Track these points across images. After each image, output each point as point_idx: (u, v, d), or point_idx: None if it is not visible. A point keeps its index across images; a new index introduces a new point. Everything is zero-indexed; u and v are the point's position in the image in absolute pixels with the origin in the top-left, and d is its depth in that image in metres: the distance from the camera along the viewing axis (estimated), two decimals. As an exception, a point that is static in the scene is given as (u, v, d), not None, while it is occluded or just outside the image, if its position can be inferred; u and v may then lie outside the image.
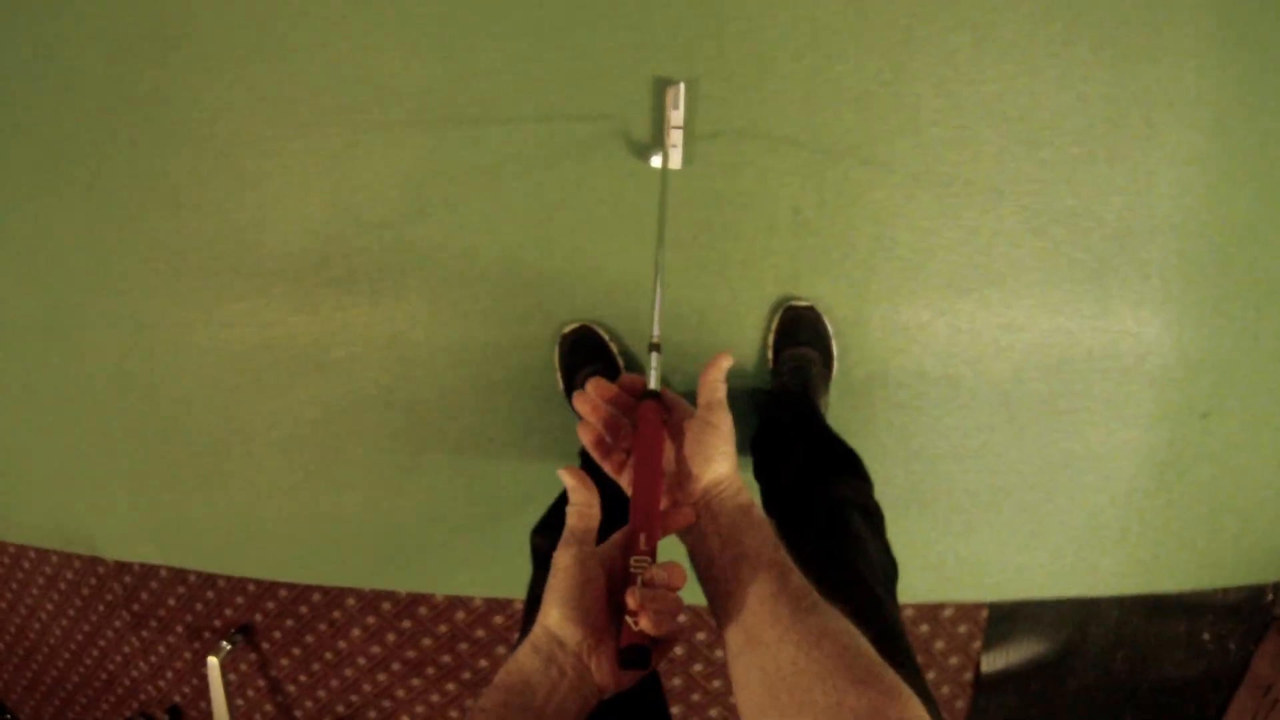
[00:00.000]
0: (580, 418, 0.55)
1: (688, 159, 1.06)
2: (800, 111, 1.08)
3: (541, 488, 1.15)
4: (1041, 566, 1.24)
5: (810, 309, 1.10)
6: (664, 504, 0.52)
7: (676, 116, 0.99)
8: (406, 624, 1.35)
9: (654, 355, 0.60)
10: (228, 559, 1.36)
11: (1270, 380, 1.22)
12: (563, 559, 0.47)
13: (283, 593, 1.35)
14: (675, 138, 1.01)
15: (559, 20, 1.05)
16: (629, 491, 0.53)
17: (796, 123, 1.09)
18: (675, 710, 1.41)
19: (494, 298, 1.09)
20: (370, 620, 1.36)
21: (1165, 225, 1.16)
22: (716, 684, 1.36)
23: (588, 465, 0.94)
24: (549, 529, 0.92)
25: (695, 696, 1.37)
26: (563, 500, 0.94)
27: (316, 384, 1.17)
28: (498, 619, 1.31)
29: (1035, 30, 1.09)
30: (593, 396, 0.56)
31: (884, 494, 0.87)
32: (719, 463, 0.51)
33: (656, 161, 1.04)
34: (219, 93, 1.07)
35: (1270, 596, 1.33)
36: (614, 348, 1.09)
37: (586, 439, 0.54)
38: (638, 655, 0.45)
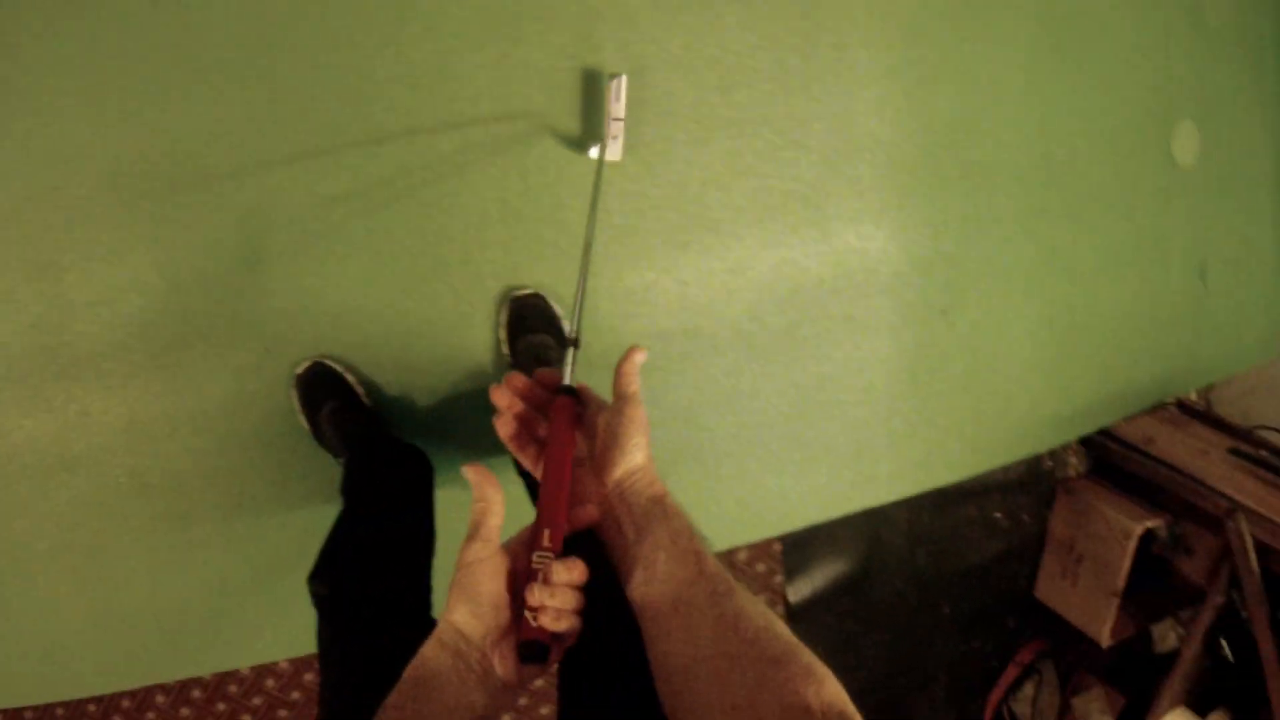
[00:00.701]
0: (496, 410, 0.73)
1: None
2: (487, 100, 1.59)
3: (312, 532, 1.56)
4: (821, 489, 1.85)
5: (535, 295, 1.60)
6: (572, 499, 0.69)
7: (618, 108, 1.51)
8: (221, 707, 1.88)
9: (570, 351, 0.79)
10: (26, 689, 1.77)
11: (999, 265, 1.85)
12: (468, 554, 0.62)
13: (91, 708, 1.77)
14: (615, 129, 1.52)
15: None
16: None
17: (485, 113, 1.59)
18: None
19: (219, 354, 1.55)
20: (185, 713, 1.81)
21: (869, 141, 1.72)
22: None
23: (353, 501, 1.34)
24: (324, 574, 1.18)
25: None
26: (331, 541, 1.25)
27: (69, 484, 1.57)
28: (308, 676, 1.83)
29: None
30: (509, 392, 0.73)
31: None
32: (633, 453, 0.68)
33: (594, 153, 1.56)
34: None
35: (1049, 464, 1.98)
36: (350, 378, 1.52)
37: (503, 433, 0.72)
38: (536, 650, 0.59)
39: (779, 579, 1.99)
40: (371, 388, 1.62)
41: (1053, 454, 2.09)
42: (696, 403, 1.82)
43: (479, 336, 1.66)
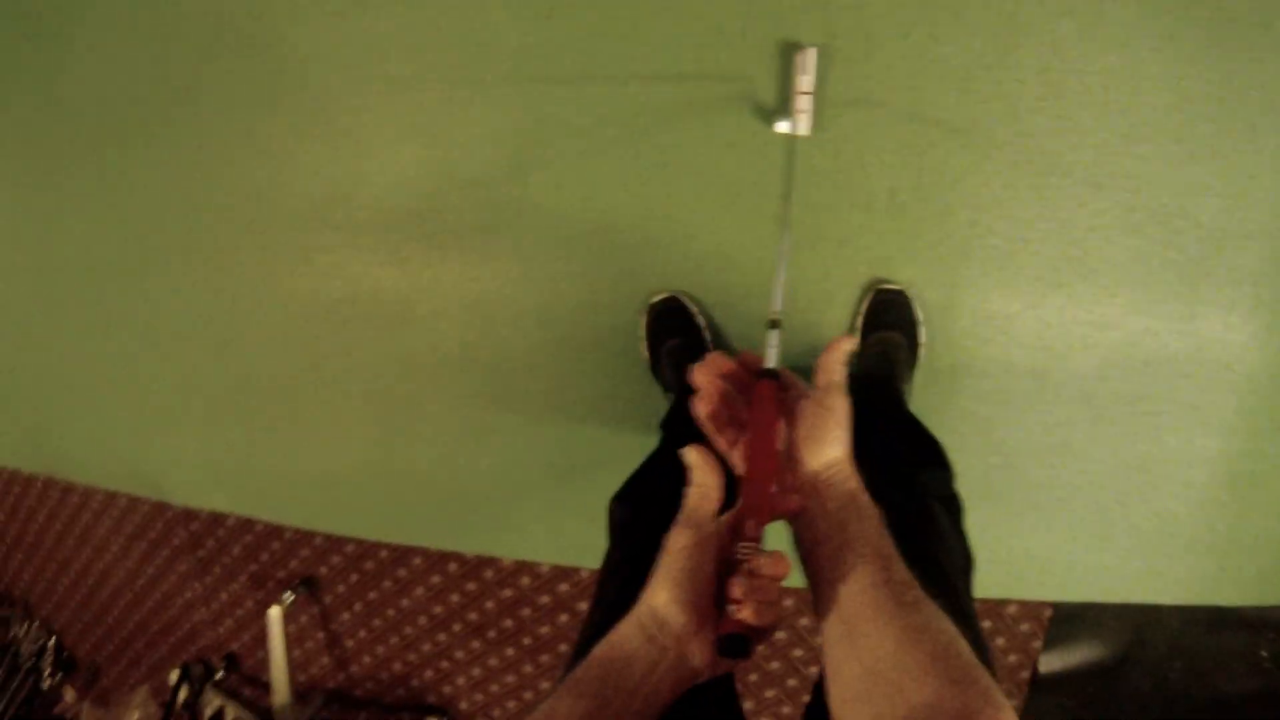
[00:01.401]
0: (696, 389, 0.73)
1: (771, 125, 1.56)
2: (903, 91, 1.59)
3: (618, 456, 1.58)
4: (1109, 569, 1.75)
5: (901, 293, 1.57)
6: (774, 488, 0.67)
7: (805, 82, 1.48)
8: (471, 586, 1.82)
9: (774, 332, 0.77)
10: (296, 511, 1.79)
11: (1353, 396, 1.67)
12: (679, 540, 0.63)
13: (349, 548, 1.79)
14: (804, 103, 1.49)
15: None
16: (737, 471, 0.69)
17: (898, 102, 1.60)
18: (748, 705, 1.85)
19: (583, 261, 1.53)
20: (435, 580, 1.82)
21: (1260, 231, 1.67)
22: (792, 682, 1.80)
23: (673, 439, 1.32)
24: (628, 500, 1.19)
25: (769, 693, 1.81)
26: (642, 472, 1.28)
27: (399, 339, 1.59)
28: (563, 586, 1.77)
29: (1142, 22, 1.58)
30: (712, 370, 0.74)
31: (959, 484, 1.34)
32: (832, 447, 0.67)
33: (783, 127, 1.53)
34: (314, 44, 1.51)
35: (1334, 615, 1.82)
36: (701, 321, 1.52)
37: (702, 411, 0.72)
38: (738, 644, 0.58)
39: (1037, 644, 1.90)
40: (719, 335, 1.63)
41: (1340, 606, 1.95)
42: (1020, 445, 1.78)
43: (835, 317, 1.67)
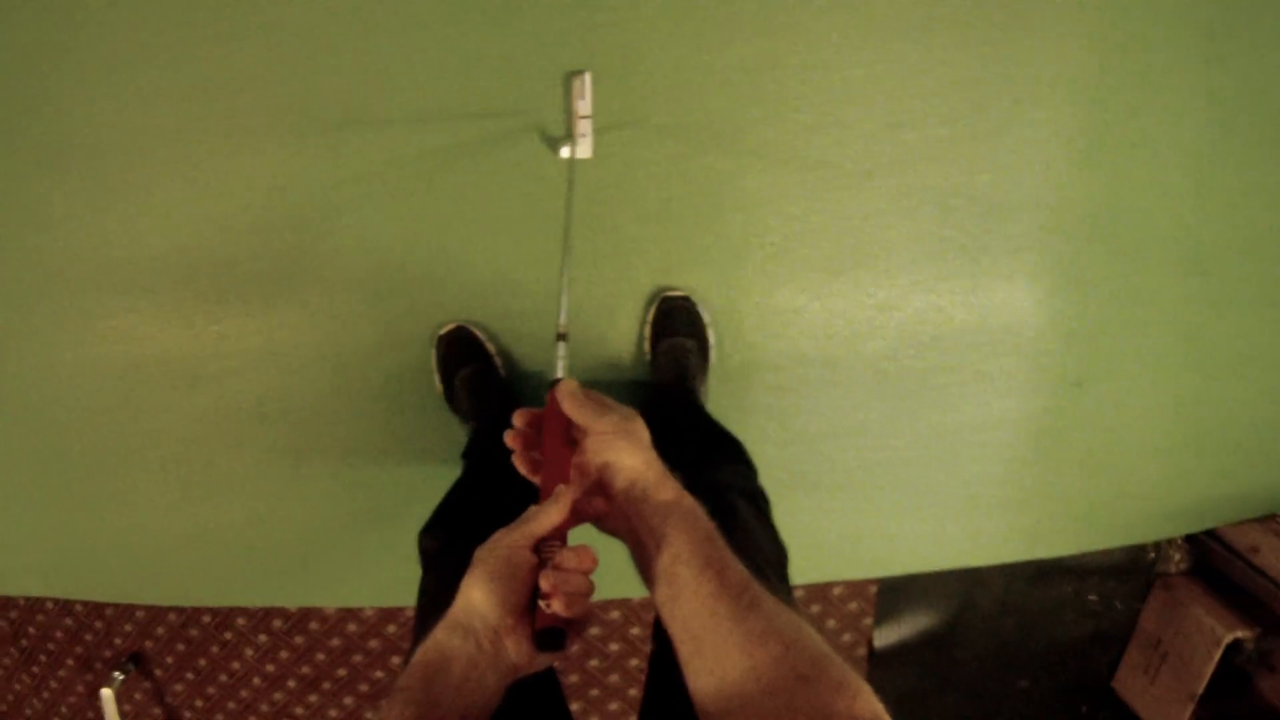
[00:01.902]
0: (513, 451, 0.75)
1: (555, 152, 1.58)
2: (670, 101, 1.61)
3: (425, 491, 1.60)
4: (926, 539, 1.82)
5: (685, 299, 1.60)
6: (577, 493, 0.71)
7: (584, 106, 1.51)
8: (299, 639, 1.84)
9: (560, 345, 0.82)
10: (113, 587, 1.82)
11: (1138, 346, 1.82)
12: (501, 538, 0.65)
13: (171, 617, 1.82)
14: (584, 127, 1.52)
15: (429, 13, 1.51)
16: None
17: (666, 112, 1.62)
18: (575, 707, 1.88)
19: (367, 301, 1.53)
20: (262, 639, 1.85)
21: (1032, 200, 1.71)
22: (614, 678, 1.84)
23: (475, 468, 1.33)
24: (436, 529, 1.20)
25: (594, 692, 1.85)
26: (449, 501, 1.29)
27: (192, 399, 1.60)
28: (390, 628, 1.80)
29: (899, 14, 1.62)
30: (519, 429, 0.76)
31: (766, 477, 1.38)
32: (621, 457, 0.69)
33: (565, 152, 1.56)
34: (85, 103, 1.48)
35: (1152, 555, 1.93)
36: (491, 347, 1.54)
37: (523, 470, 0.75)
38: (553, 637, 0.60)
39: (868, 621, 1.96)
40: (509, 360, 1.64)
41: (1157, 546, 2.04)
42: (821, 431, 1.82)
43: (624, 329, 1.67)
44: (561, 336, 0.85)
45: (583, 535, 0.73)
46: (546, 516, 0.67)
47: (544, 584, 0.62)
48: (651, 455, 0.71)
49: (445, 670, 0.59)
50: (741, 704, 0.54)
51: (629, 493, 0.69)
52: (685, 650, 0.61)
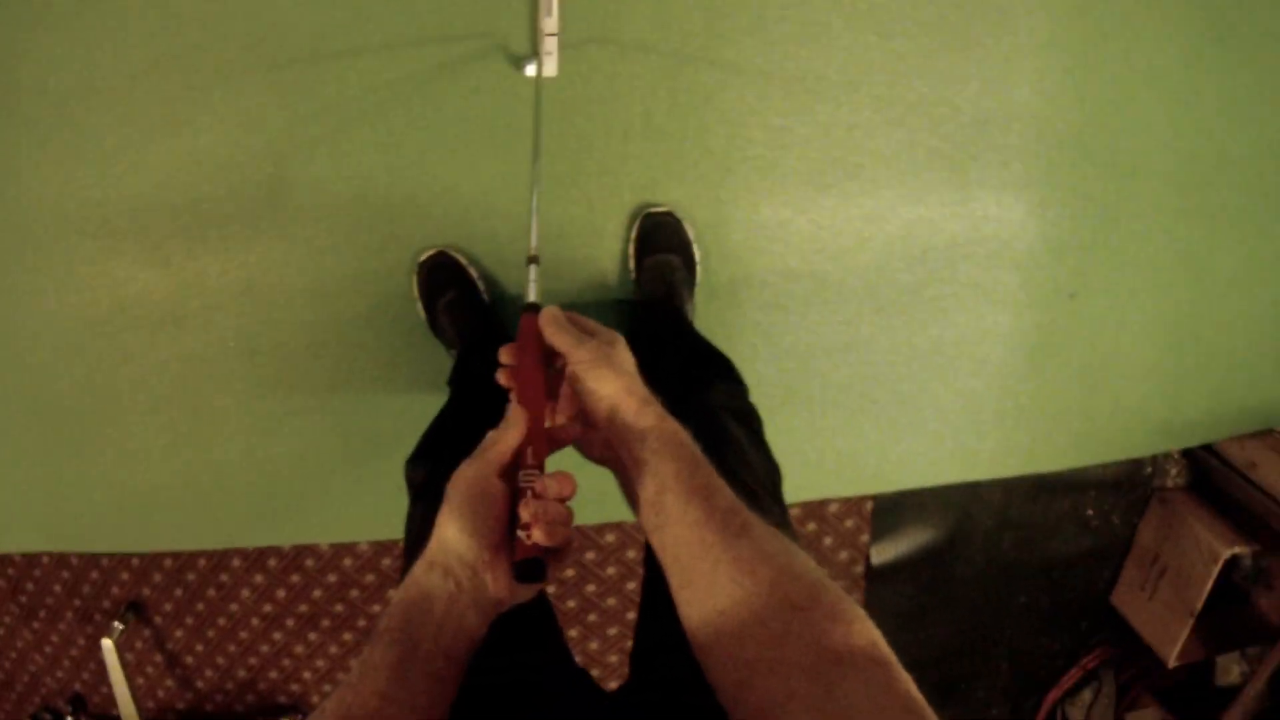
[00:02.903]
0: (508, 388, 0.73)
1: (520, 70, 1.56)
2: (648, 14, 1.58)
3: (413, 420, 1.60)
4: (922, 455, 1.80)
5: (669, 214, 1.57)
6: (563, 418, 0.70)
7: (550, 23, 1.47)
8: (295, 578, 1.89)
9: (532, 268, 0.81)
10: (107, 536, 1.84)
11: (1133, 257, 1.79)
12: (464, 472, 0.63)
13: (167, 563, 1.84)
14: (550, 45, 1.48)
15: None
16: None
17: (644, 26, 1.58)
18: (573, 632, 1.88)
19: (347, 232, 1.54)
20: (258, 579, 1.88)
21: (1023, 111, 1.68)
22: (611, 601, 1.84)
23: (461, 394, 1.32)
24: (423, 458, 1.18)
25: (592, 617, 1.85)
26: (434, 429, 1.27)
27: (177, 340, 1.60)
28: (385, 561, 1.83)
29: None
30: (507, 365, 0.73)
31: (758, 395, 1.35)
32: (600, 385, 0.67)
33: (530, 70, 1.53)
34: (49, 47, 1.45)
35: (1149, 469, 1.92)
36: (472, 272, 1.53)
37: (502, 381, 0.73)
38: (533, 568, 0.59)
39: (865, 538, 1.96)
40: (492, 284, 1.63)
41: (1154, 461, 2.03)
42: (813, 347, 1.80)
43: (608, 248, 1.66)
44: (533, 259, 0.83)
45: (571, 464, 0.71)
46: (504, 440, 0.65)
47: (523, 513, 0.60)
48: (633, 381, 0.69)
49: (426, 610, 0.59)
50: (733, 633, 0.53)
51: (611, 420, 0.67)
52: (675, 580, 0.59)
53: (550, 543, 0.60)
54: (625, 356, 0.70)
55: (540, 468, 0.64)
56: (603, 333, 0.73)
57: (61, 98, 1.56)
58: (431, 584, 0.59)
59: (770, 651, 0.50)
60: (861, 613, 0.51)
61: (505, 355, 0.74)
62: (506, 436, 0.65)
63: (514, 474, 0.64)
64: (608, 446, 0.70)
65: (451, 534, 0.60)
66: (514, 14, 1.54)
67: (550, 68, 1.50)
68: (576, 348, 0.69)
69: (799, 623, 0.50)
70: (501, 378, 0.73)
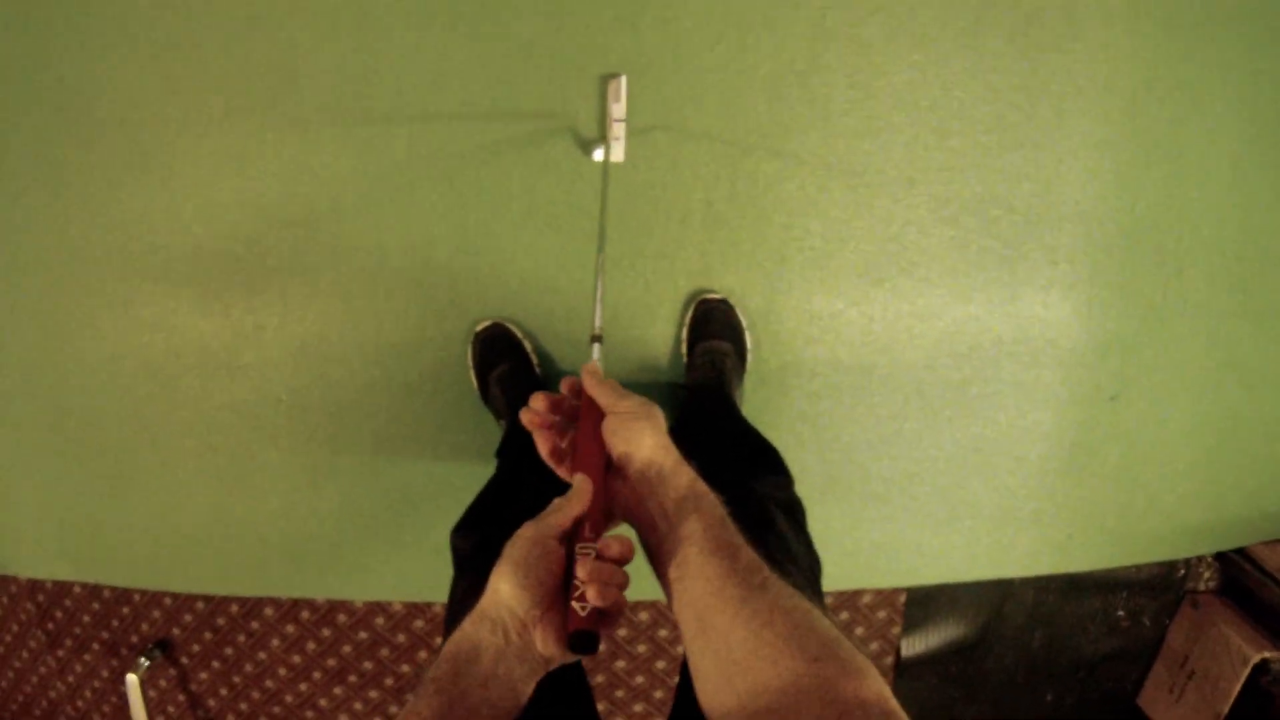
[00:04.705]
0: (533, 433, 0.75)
1: (589, 154, 1.59)
2: (713, 103, 1.60)
3: (458, 488, 1.58)
4: (957, 550, 1.79)
5: (723, 301, 1.58)
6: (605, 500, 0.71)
7: (618, 109, 1.51)
8: (326, 632, 1.83)
9: (596, 346, 0.83)
10: (142, 573, 1.80)
11: (1175, 361, 1.80)
12: (525, 531, 0.64)
13: (199, 605, 1.80)
14: (618, 130, 1.51)
15: (473, 10, 1.52)
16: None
17: (709, 114, 1.61)
18: (600, 707, 1.86)
19: (407, 297, 1.54)
20: (289, 629, 1.83)
21: (1073, 212, 1.70)
22: (640, 680, 1.83)
23: (509, 466, 1.32)
24: (469, 529, 1.19)
25: (620, 693, 1.84)
26: (481, 499, 1.28)
27: (229, 389, 1.59)
28: (418, 623, 1.79)
29: (946, 20, 1.63)
30: (535, 410, 0.75)
31: (800, 482, 1.35)
32: (638, 440, 0.69)
33: (599, 155, 1.56)
34: (129, 86, 1.49)
35: (1182, 572, 1.91)
36: (527, 345, 1.53)
37: (543, 451, 0.74)
38: (587, 640, 0.60)
39: (896, 630, 1.95)
40: (545, 359, 1.64)
41: (1187, 563, 2.03)
42: (857, 439, 1.81)
43: (661, 331, 1.66)
44: (596, 338, 0.85)
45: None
46: (569, 506, 0.67)
47: (581, 573, 0.61)
48: (668, 440, 0.70)
49: (474, 662, 0.60)
50: (745, 681, 0.54)
51: (644, 474, 0.68)
52: (690, 629, 0.60)
53: (603, 603, 0.60)
54: (661, 417, 0.72)
55: (597, 535, 0.66)
56: (638, 396, 0.74)
57: (135, 139, 1.56)
58: (481, 636, 0.61)
59: (782, 701, 0.51)
60: (872, 668, 0.52)
61: (538, 401, 0.76)
62: (572, 504, 0.67)
63: (572, 543, 0.66)
64: (633, 501, 0.70)
65: (506, 588, 0.61)
66: (583, 97, 1.56)
67: (618, 153, 1.52)
68: (619, 400, 0.72)
69: (811, 675, 0.51)
70: (524, 417, 0.75)
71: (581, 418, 0.75)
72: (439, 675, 0.59)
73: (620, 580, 0.63)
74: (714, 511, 0.65)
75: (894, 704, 0.50)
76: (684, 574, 0.62)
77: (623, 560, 0.64)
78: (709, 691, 0.57)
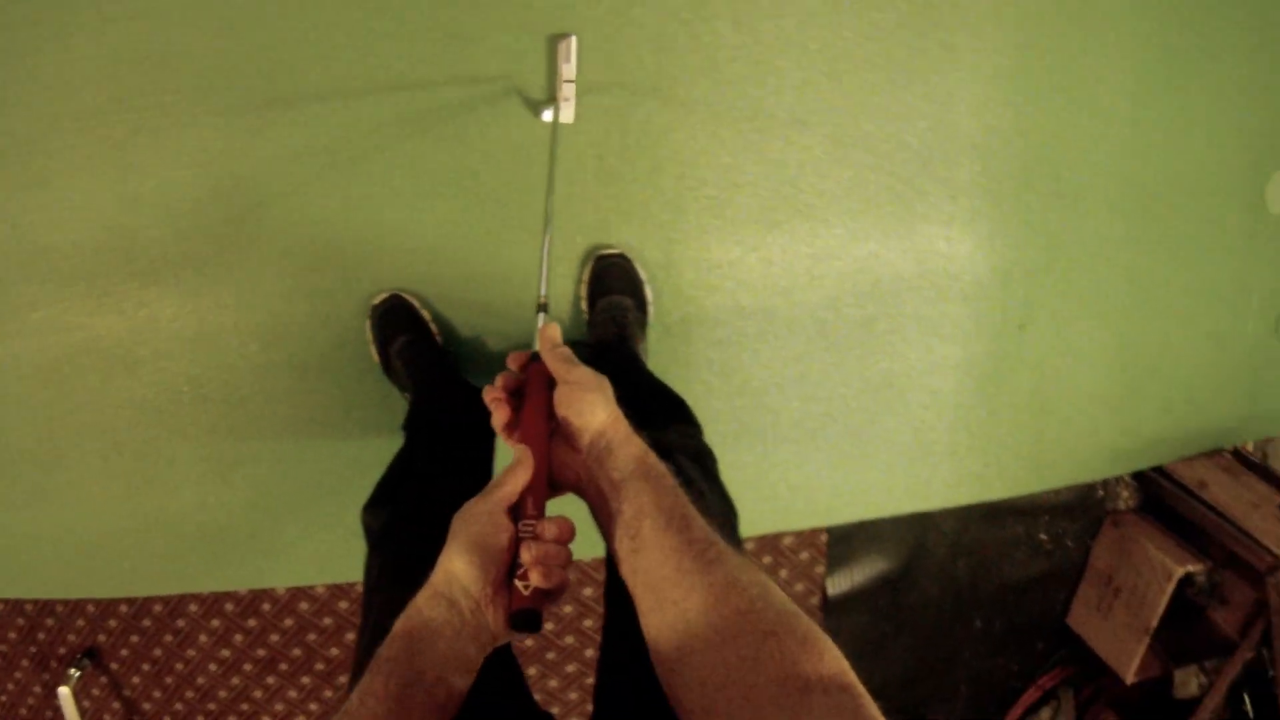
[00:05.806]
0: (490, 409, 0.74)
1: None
2: (599, 57, 1.59)
3: (368, 464, 1.59)
4: (875, 486, 1.83)
5: (621, 256, 1.59)
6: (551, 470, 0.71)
7: (568, 70, 1.50)
8: (252, 622, 1.91)
9: (541, 316, 0.82)
10: (62, 582, 1.83)
11: (1079, 287, 1.82)
12: (474, 507, 0.65)
13: (123, 609, 1.84)
14: (567, 91, 1.50)
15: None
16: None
17: (596, 68, 1.59)
18: (531, 671, 1.91)
19: (296, 275, 1.54)
20: (215, 624, 1.89)
21: (968, 145, 1.71)
22: (569, 639, 1.86)
23: (415, 439, 1.33)
24: (378, 505, 1.18)
25: (550, 655, 1.88)
26: (390, 474, 1.26)
27: (128, 386, 1.59)
28: (342, 604, 1.84)
29: None
30: (494, 388, 0.74)
31: (712, 431, 1.35)
32: (590, 413, 0.69)
33: (548, 116, 1.55)
34: None
35: (1101, 493, 1.95)
36: (425, 315, 1.53)
37: (498, 423, 0.73)
38: (530, 618, 0.61)
39: (820, 569, 1.98)
40: (446, 327, 1.63)
41: (1105, 484, 2.07)
42: (765, 383, 1.82)
43: (561, 290, 1.67)
44: (542, 307, 0.84)
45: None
46: (513, 480, 0.67)
47: (525, 556, 0.62)
48: (618, 411, 0.71)
49: (430, 641, 0.60)
50: (703, 657, 0.54)
51: (595, 445, 0.69)
52: (645, 604, 0.61)
53: (548, 585, 0.62)
54: (610, 390, 0.73)
55: (540, 511, 0.67)
56: (589, 368, 0.74)
57: (6, 142, 1.54)
58: (436, 615, 0.61)
59: (739, 676, 0.51)
60: (830, 642, 0.52)
61: (513, 361, 0.76)
62: (515, 476, 0.67)
63: (517, 519, 0.66)
64: (585, 471, 0.70)
65: (459, 567, 0.61)
66: (463, 62, 1.55)
67: (567, 114, 1.52)
68: (570, 369, 0.72)
69: (769, 649, 0.51)
70: (488, 395, 0.74)
71: (528, 388, 0.75)
72: (393, 655, 0.59)
73: (563, 559, 0.64)
74: (666, 484, 0.66)
75: (852, 677, 0.50)
76: (638, 547, 0.62)
77: (561, 541, 0.65)
78: (667, 667, 0.57)
